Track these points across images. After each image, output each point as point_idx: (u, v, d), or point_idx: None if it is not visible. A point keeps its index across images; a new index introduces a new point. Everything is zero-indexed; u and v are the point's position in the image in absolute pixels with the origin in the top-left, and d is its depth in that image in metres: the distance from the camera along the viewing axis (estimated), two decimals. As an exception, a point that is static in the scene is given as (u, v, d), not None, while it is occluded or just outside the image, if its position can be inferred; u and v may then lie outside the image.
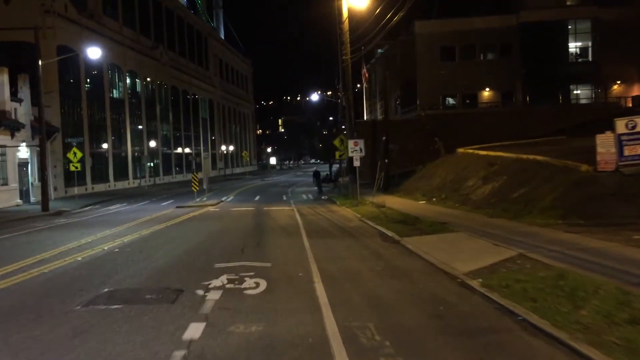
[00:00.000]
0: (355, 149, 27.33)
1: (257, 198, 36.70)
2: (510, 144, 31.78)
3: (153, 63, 64.02)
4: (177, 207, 30.05)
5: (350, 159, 29.03)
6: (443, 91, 55.80)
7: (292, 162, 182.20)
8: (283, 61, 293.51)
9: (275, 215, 23.11)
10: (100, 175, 51.09)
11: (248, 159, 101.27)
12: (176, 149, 71.78)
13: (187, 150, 76.24)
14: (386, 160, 35.81)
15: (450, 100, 57.12)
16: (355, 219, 20.64)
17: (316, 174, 52.77)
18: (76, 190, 39.82)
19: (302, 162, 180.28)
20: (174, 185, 58.88)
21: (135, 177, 57.26)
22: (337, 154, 35.12)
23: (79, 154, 37.05)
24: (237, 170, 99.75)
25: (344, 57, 29.19)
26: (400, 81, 58.18)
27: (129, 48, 57.31)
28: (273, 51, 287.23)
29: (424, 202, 25.16)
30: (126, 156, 56.65)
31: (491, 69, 54.86)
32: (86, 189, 47.45)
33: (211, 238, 16.46)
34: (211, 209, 28.06)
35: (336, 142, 35.08)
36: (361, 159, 38.38)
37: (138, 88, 60.77)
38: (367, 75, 57.44)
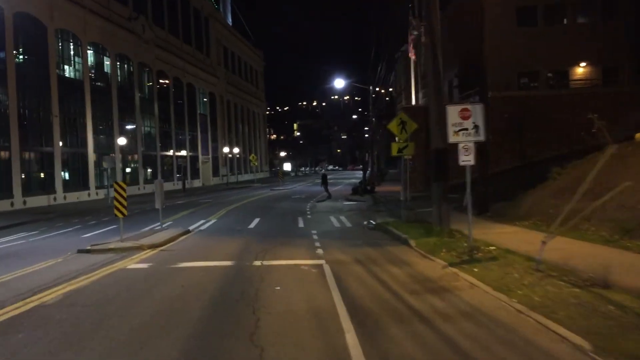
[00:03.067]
0: (462, 127, 11.98)
1: (253, 224, 21.34)
2: None
3: (130, 38, 49.20)
4: (79, 250, 14.86)
5: (440, 153, 13.74)
6: (520, 67, 40.27)
7: (308, 168, 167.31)
8: (298, 63, 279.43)
9: (272, 328, 7.68)
10: (40, 184, 36.21)
11: (258, 164, 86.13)
12: (165, 150, 56.79)
13: (181, 152, 61.33)
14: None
15: (528, 79, 41.57)
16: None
17: (324, 179, 39.32)
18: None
19: (320, 169, 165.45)
20: (166, 194, 44.01)
21: (100, 187, 42.27)
22: (395, 146, 19.63)
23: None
24: (245, 177, 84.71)
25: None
26: (459, 57, 42.75)
27: (92, 13, 42.49)
28: (286, 52, 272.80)
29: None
30: (86, 159, 41.70)
31: (588, 36, 39.21)
32: (12, 204, 32.55)
33: None
34: (134, 264, 12.48)
35: (392, 126, 19.79)
36: (407, 160, 22.92)
37: (107, 68, 45.88)
38: (415, 45, 42.10)
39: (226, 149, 70.01)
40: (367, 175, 44.33)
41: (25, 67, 35.09)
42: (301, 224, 20.85)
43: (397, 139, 19.43)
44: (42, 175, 36.55)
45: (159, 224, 20.38)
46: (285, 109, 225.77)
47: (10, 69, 33.04)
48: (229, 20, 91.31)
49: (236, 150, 76.60)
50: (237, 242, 15.82)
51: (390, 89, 67.77)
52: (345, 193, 40.13)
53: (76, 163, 40.88)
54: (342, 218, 22.71)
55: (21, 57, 34.94)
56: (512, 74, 40.47)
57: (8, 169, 32.82)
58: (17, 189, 33.16)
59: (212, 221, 22.89)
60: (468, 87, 42.37)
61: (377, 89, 52.57)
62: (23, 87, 34.33)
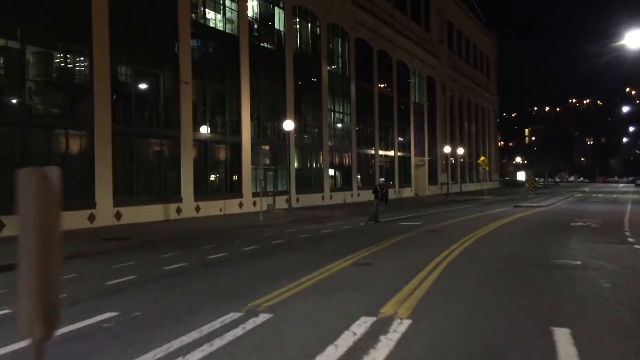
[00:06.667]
0: None
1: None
2: None
3: (317, -12, 35.27)
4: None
5: None
6: None
7: (544, 179, 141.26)
8: (535, 54, 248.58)
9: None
10: (154, 189, 23.29)
11: (487, 170, 67.11)
12: (364, 147, 41.88)
13: (388, 152, 46.07)
14: None
15: None
16: None
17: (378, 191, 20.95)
18: None
19: (558, 180, 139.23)
20: (358, 207, 29.18)
21: (258, 192, 28.10)
22: None
23: None
24: (470, 186, 66.52)
25: None
26: None
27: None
28: (521, 42, 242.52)
29: None
30: (238, 152, 28.25)
31: None
32: (92, 217, 19.80)
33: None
34: None
35: None
36: None
37: (278, 24, 32.20)
38: None
39: (447, 149, 52.88)
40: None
41: (127, 2, 22.49)
42: None
43: None
44: (159, 174, 23.61)
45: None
46: (513, 115, 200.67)
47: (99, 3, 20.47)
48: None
49: (460, 151, 58.92)
50: None
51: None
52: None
53: (220, 158, 27.65)
54: None
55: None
56: None
57: (89, 159, 20.19)
58: (103, 195, 20.37)
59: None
60: None
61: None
62: (120, 33, 21.70)
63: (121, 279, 10.24)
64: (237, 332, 6.31)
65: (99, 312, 7.53)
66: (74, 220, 18.98)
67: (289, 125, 27.56)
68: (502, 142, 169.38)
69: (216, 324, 6.68)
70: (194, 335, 6.22)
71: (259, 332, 6.35)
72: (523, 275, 10.01)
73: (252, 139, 28.90)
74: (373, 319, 6.78)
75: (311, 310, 7.38)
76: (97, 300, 8.45)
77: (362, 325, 6.46)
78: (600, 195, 51.10)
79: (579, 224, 20.69)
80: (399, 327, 6.38)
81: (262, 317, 6.96)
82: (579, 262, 11.24)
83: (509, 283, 9.37)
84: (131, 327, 6.73)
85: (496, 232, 18.19)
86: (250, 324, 6.68)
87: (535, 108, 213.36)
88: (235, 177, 28.33)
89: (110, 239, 16.65)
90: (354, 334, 6.15)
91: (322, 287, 9.02)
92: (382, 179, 27.03)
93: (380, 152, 44.35)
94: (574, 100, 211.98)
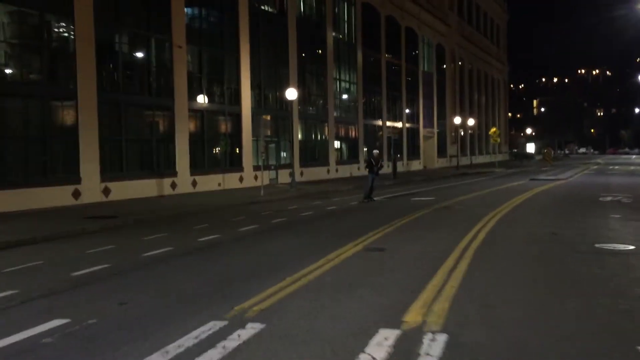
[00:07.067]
0: None
1: None
2: None
3: (321, -53, 33.01)
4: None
5: None
6: None
7: (554, 151, 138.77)
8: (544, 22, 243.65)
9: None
10: (144, 162, 21.64)
11: (497, 141, 65.09)
12: (370, 118, 40.01)
13: (396, 123, 44.11)
14: None
15: None
16: None
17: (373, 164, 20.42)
18: None
19: (567, 152, 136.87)
20: (364, 181, 27.49)
21: (260, 166, 26.32)
22: None
23: None
24: (479, 159, 64.56)
25: None
26: None
27: None
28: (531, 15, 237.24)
29: None
30: (238, 123, 26.47)
31: None
32: (78, 194, 18.19)
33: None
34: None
35: None
36: None
37: (279, -15, 30.22)
38: None
39: (457, 120, 50.78)
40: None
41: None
42: None
43: None
44: (151, 146, 21.92)
45: None
46: (521, 86, 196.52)
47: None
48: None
49: (470, 122, 56.75)
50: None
51: None
52: None
53: (218, 129, 25.91)
54: None
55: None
56: None
57: (73, 130, 18.51)
58: (89, 169, 18.72)
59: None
60: None
61: None
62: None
63: (91, 269, 8.64)
64: (214, 355, 4.67)
65: (46, 317, 5.92)
66: (55, 196, 17.44)
67: (292, 94, 25.68)
68: (510, 114, 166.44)
69: (189, 340, 5.06)
70: (155, 359, 4.60)
71: (244, 354, 4.71)
72: (571, 264, 8.33)
73: (252, 108, 27.09)
74: (396, 332, 5.14)
75: (315, 317, 5.74)
76: (50, 300, 6.84)
77: (382, 344, 4.82)
78: (616, 167, 49.17)
79: (609, 199, 18.95)
80: (433, 347, 4.73)
81: (250, 329, 5.33)
82: (632, 247, 9.54)
83: (558, 276, 7.67)
84: (78, 344, 5.11)
85: (520, 208, 16.50)
86: (234, 339, 5.04)
87: (544, 79, 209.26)
88: (235, 150, 26.62)
89: (94, 217, 15.09)
90: (373, 359, 4.50)
91: (328, 282, 7.37)
92: (376, 151, 24.35)
93: (388, 124, 42.42)
94: (582, 71, 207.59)
